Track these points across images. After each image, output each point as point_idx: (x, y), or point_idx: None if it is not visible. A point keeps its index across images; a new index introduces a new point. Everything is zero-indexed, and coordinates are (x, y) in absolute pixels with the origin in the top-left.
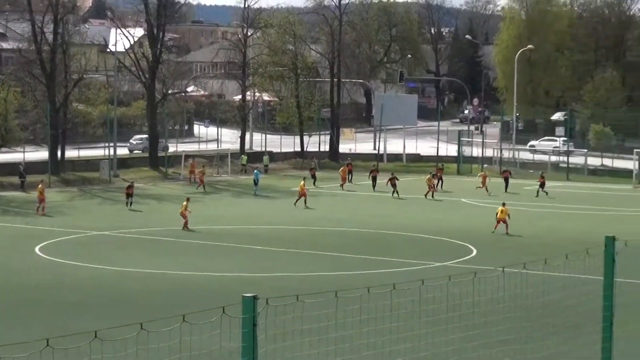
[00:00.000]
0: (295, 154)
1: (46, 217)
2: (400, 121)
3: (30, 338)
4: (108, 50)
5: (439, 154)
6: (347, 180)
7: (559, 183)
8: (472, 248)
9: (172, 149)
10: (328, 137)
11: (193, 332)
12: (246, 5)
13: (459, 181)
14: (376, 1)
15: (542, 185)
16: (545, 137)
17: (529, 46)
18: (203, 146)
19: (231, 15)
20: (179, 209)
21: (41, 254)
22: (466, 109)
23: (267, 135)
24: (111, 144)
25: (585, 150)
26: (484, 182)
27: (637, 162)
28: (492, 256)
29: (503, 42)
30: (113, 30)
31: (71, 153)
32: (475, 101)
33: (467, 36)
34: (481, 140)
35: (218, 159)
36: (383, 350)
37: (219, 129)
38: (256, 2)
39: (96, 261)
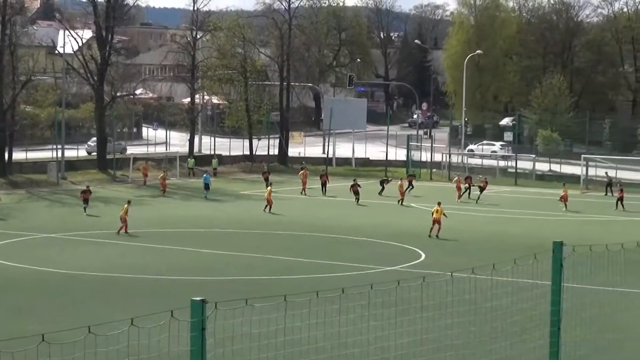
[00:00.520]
0: (244, 158)
1: None
2: (349, 125)
3: None
4: (56, 52)
5: (388, 158)
6: (306, 185)
7: (507, 188)
8: (421, 252)
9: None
10: (277, 141)
11: (141, 336)
12: (195, 8)
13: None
14: (325, 5)
15: (482, 189)
16: (484, 142)
17: (478, 51)
18: (152, 149)
19: (180, 18)
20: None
21: None
22: (415, 114)
23: (216, 139)
24: (59, 146)
25: (533, 156)
26: (459, 189)
27: (584, 168)
28: (441, 261)
29: (452, 47)
30: (61, 32)
31: (19, 155)
32: (424, 106)
33: (416, 41)
34: (430, 144)
35: (167, 161)
36: (332, 354)
37: (168, 131)
38: (205, 5)
39: (43, 263)
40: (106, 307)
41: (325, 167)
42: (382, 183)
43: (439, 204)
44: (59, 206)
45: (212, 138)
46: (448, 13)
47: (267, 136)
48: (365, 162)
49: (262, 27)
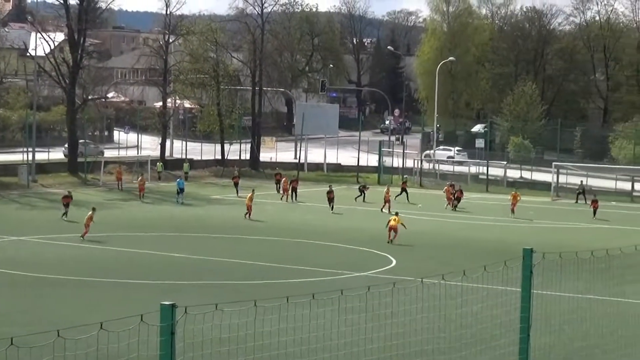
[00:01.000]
0: (215, 162)
1: None
2: (321, 131)
3: None
4: (28, 54)
5: (360, 164)
6: (288, 192)
7: (478, 195)
8: (392, 258)
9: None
10: (249, 146)
11: (111, 340)
12: (168, 12)
13: (380, 192)
14: (298, 10)
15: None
16: (440, 147)
17: (450, 58)
18: (123, 152)
19: (153, 22)
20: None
21: None
22: (387, 120)
23: (188, 143)
24: (30, 149)
25: (504, 163)
26: (448, 198)
27: (555, 175)
28: (411, 267)
29: (424, 53)
30: (33, 34)
31: None
32: (397, 112)
33: (389, 47)
34: (402, 150)
35: (138, 165)
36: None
37: (139, 135)
38: (178, 9)
39: (11, 266)
40: (76, 311)
41: (297, 172)
42: (361, 190)
43: (397, 214)
44: (29, 209)
45: (184, 142)
46: (421, 20)
47: (238, 141)
48: (337, 168)
49: (235, 32)
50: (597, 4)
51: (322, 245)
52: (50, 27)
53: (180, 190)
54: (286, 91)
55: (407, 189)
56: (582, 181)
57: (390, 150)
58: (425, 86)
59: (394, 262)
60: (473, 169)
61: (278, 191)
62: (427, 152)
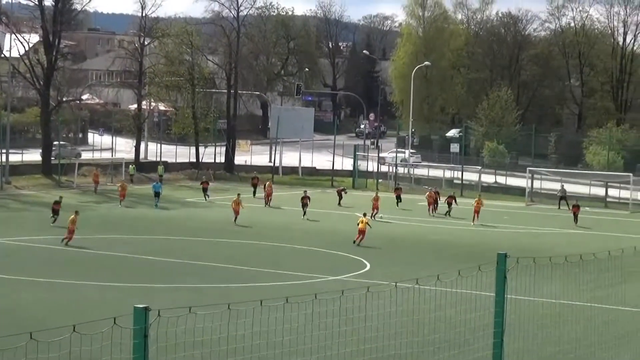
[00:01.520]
0: (190, 165)
1: None
2: (296, 134)
3: None
4: (2, 55)
5: (335, 168)
6: (270, 196)
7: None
8: (366, 262)
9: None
10: (224, 149)
11: (83, 343)
12: (143, 14)
13: (355, 196)
14: (274, 14)
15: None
16: (394, 149)
17: (426, 63)
18: (97, 155)
19: (128, 24)
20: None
21: None
22: (362, 124)
23: (163, 145)
24: (4, 151)
25: (479, 167)
26: (430, 203)
27: (529, 180)
28: (386, 271)
29: (400, 58)
30: (8, 35)
31: None
32: (372, 116)
33: (364, 51)
34: (377, 155)
35: (112, 167)
36: None
37: (114, 137)
38: (154, 12)
39: None
40: (48, 313)
41: (271, 175)
42: (339, 193)
43: (365, 215)
44: (4, 211)
45: (159, 145)
46: (397, 24)
47: (213, 144)
48: (312, 172)
49: (211, 35)
50: (573, 10)
51: (296, 249)
52: (25, 29)
53: (157, 194)
54: (261, 94)
55: (401, 195)
56: (562, 185)
57: (365, 154)
58: (400, 90)
59: (368, 266)
60: (448, 174)
61: (254, 195)
62: (383, 154)
